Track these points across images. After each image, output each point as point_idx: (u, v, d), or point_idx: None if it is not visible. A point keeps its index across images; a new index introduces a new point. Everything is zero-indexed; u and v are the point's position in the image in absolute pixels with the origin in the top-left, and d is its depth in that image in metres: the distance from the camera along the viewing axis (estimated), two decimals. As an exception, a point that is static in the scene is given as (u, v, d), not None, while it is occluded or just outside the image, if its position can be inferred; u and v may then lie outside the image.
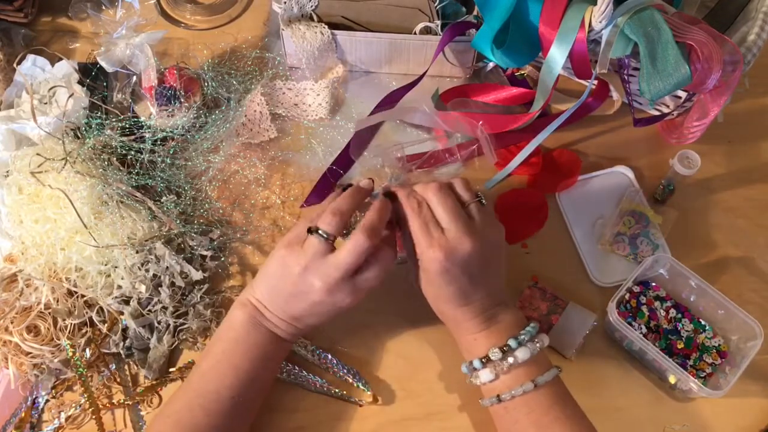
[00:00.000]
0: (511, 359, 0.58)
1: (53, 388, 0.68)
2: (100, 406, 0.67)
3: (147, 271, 0.70)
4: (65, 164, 0.70)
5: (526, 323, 0.61)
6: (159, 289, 0.70)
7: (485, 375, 0.58)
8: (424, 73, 0.80)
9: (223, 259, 0.74)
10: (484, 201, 0.63)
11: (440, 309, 0.62)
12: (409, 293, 0.72)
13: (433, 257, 0.58)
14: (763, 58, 0.71)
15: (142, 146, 0.75)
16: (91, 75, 0.81)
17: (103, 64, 0.78)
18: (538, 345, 0.59)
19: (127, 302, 0.69)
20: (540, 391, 0.57)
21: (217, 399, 0.58)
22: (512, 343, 0.58)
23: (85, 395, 0.67)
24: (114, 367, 0.69)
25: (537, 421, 0.57)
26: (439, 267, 0.58)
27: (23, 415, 0.67)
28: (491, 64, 0.85)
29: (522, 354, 0.58)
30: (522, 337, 0.59)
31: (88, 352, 0.68)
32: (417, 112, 0.79)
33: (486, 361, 0.58)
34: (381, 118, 0.80)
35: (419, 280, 0.62)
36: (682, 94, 0.75)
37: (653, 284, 0.72)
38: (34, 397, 0.68)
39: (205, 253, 0.73)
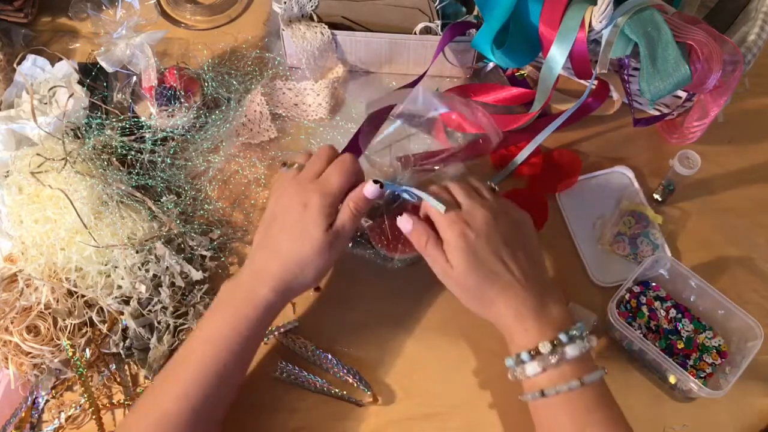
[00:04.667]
0: (560, 354, 0.57)
1: (53, 388, 0.68)
2: (100, 406, 0.67)
3: (147, 271, 0.70)
4: (65, 164, 0.70)
5: (575, 321, 0.60)
6: (159, 289, 0.70)
7: (532, 368, 0.57)
8: (424, 73, 0.80)
9: (223, 259, 0.74)
10: (496, 188, 0.66)
11: (485, 295, 0.60)
12: (408, 294, 0.73)
13: (457, 233, 0.59)
14: (763, 58, 0.71)
15: (142, 146, 0.75)
16: (91, 75, 0.81)
17: (103, 64, 0.78)
18: (587, 344, 0.58)
19: (127, 302, 0.69)
20: (585, 390, 0.57)
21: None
22: (563, 337, 0.57)
23: (85, 395, 0.67)
24: (114, 367, 0.69)
25: (579, 419, 0.56)
26: (464, 243, 0.59)
27: (23, 415, 0.67)
28: (491, 64, 0.85)
29: (572, 350, 0.57)
30: (573, 333, 0.58)
31: (88, 352, 0.68)
32: (426, 93, 0.78)
33: (535, 354, 0.58)
34: (393, 100, 0.78)
35: (453, 274, 0.60)
36: (682, 94, 0.75)
37: (653, 284, 0.72)
38: (34, 397, 0.68)
39: (205, 253, 0.73)
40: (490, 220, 0.61)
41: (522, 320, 0.59)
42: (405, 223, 0.63)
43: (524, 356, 0.58)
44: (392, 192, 0.64)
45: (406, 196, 0.64)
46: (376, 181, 0.62)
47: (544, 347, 0.57)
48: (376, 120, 0.77)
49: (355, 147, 0.78)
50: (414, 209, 0.65)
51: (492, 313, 0.61)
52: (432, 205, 0.61)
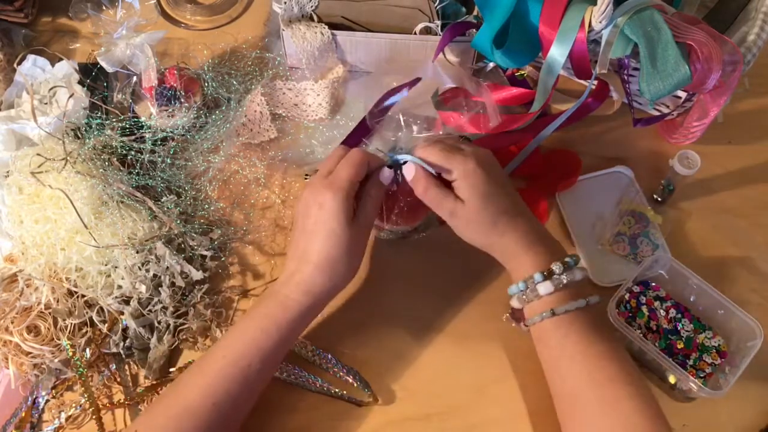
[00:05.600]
0: (570, 275, 0.60)
1: (53, 388, 0.68)
2: (100, 406, 0.67)
3: (147, 271, 0.70)
4: (65, 164, 0.70)
5: (564, 251, 0.64)
6: (159, 289, 0.70)
7: (545, 287, 0.60)
8: (424, 73, 0.80)
9: (223, 259, 0.74)
10: (471, 138, 0.71)
11: (496, 226, 0.62)
12: (408, 293, 0.73)
13: (471, 168, 0.61)
14: (763, 58, 0.71)
15: (142, 146, 0.75)
16: (91, 75, 0.81)
17: (103, 64, 0.79)
18: (584, 272, 0.62)
19: (127, 302, 0.69)
20: (589, 311, 0.61)
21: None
22: (570, 260, 0.61)
23: (86, 395, 0.67)
24: (114, 367, 0.69)
25: (586, 336, 0.60)
26: (476, 179, 0.61)
27: (23, 415, 0.67)
28: (491, 64, 0.85)
29: (578, 274, 0.61)
30: (574, 258, 0.62)
31: (88, 352, 0.68)
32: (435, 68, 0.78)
33: (548, 274, 0.61)
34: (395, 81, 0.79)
35: (463, 211, 0.62)
36: (682, 94, 0.75)
37: (653, 284, 0.72)
38: (34, 397, 0.68)
39: (205, 253, 0.73)
40: (491, 159, 0.64)
41: (533, 245, 0.62)
42: (409, 170, 0.64)
43: (537, 277, 0.61)
44: (393, 162, 0.65)
45: (407, 163, 0.65)
46: (390, 167, 0.64)
47: (558, 267, 0.60)
48: (382, 101, 0.78)
49: (357, 136, 0.78)
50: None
51: (502, 242, 0.63)
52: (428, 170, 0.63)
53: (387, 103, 0.77)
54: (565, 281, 0.60)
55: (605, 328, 0.62)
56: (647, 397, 0.58)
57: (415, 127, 0.65)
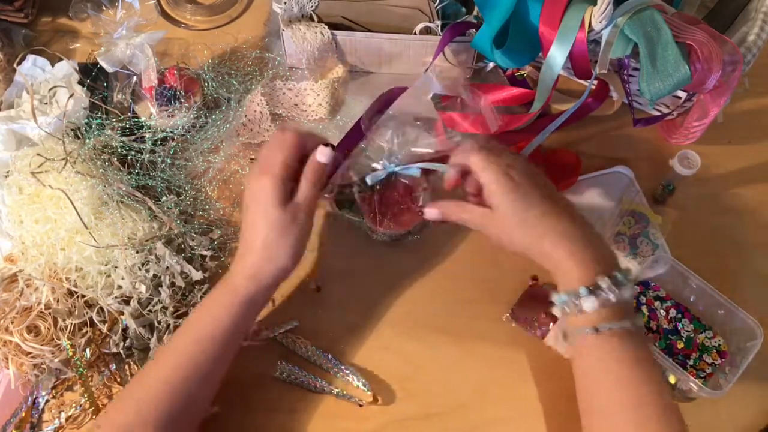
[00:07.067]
0: (617, 293, 0.55)
1: (53, 388, 0.68)
2: (100, 406, 0.67)
3: (147, 271, 0.70)
4: (65, 164, 0.70)
5: (617, 260, 0.58)
6: (159, 289, 0.70)
7: (589, 303, 0.55)
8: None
9: (223, 259, 0.74)
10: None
11: (534, 230, 0.58)
12: (409, 294, 0.73)
13: (501, 172, 0.58)
14: (763, 58, 0.71)
15: (142, 146, 0.75)
16: (91, 75, 0.81)
17: (103, 64, 0.79)
18: (633, 289, 0.57)
19: (127, 302, 0.69)
20: (633, 332, 0.56)
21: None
22: (619, 276, 0.56)
23: (86, 395, 0.67)
24: (114, 367, 0.69)
25: (628, 357, 0.55)
26: (509, 182, 0.58)
27: (23, 415, 0.67)
28: (491, 64, 0.85)
29: (626, 293, 0.56)
30: (623, 273, 0.57)
31: (88, 352, 0.68)
32: (426, 81, 0.78)
33: (594, 288, 0.55)
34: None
35: (495, 217, 0.59)
36: (682, 94, 0.75)
37: (653, 284, 0.72)
38: (34, 397, 0.68)
39: (205, 253, 0.73)
40: (524, 159, 0.61)
41: (578, 252, 0.57)
42: (433, 213, 0.63)
43: (582, 291, 0.56)
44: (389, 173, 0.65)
45: (410, 172, 0.65)
46: (326, 144, 0.62)
47: (603, 282, 0.55)
48: (378, 105, 0.77)
49: (351, 139, 0.78)
50: (406, 187, 0.67)
51: (543, 246, 0.58)
52: (436, 168, 0.62)
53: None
54: (613, 300, 0.55)
55: (647, 351, 0.57)
56: (679, 428, 0.55)
57: (411, 132, 0.65)
